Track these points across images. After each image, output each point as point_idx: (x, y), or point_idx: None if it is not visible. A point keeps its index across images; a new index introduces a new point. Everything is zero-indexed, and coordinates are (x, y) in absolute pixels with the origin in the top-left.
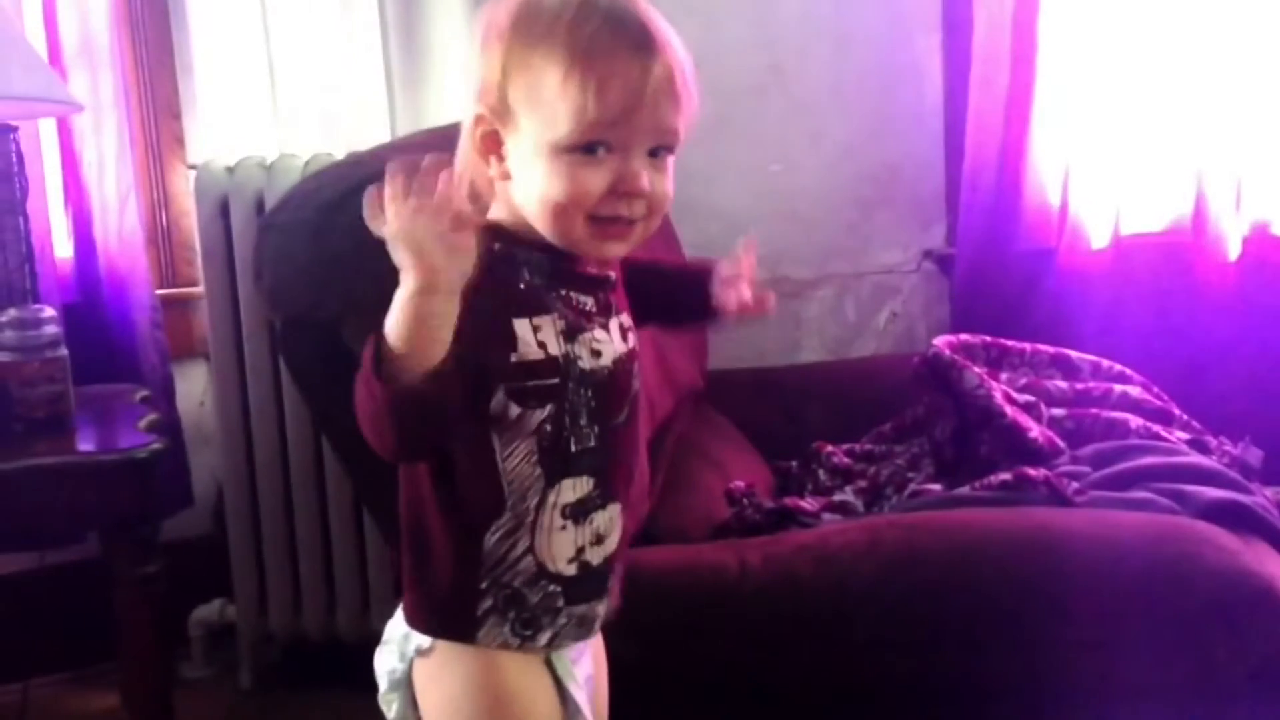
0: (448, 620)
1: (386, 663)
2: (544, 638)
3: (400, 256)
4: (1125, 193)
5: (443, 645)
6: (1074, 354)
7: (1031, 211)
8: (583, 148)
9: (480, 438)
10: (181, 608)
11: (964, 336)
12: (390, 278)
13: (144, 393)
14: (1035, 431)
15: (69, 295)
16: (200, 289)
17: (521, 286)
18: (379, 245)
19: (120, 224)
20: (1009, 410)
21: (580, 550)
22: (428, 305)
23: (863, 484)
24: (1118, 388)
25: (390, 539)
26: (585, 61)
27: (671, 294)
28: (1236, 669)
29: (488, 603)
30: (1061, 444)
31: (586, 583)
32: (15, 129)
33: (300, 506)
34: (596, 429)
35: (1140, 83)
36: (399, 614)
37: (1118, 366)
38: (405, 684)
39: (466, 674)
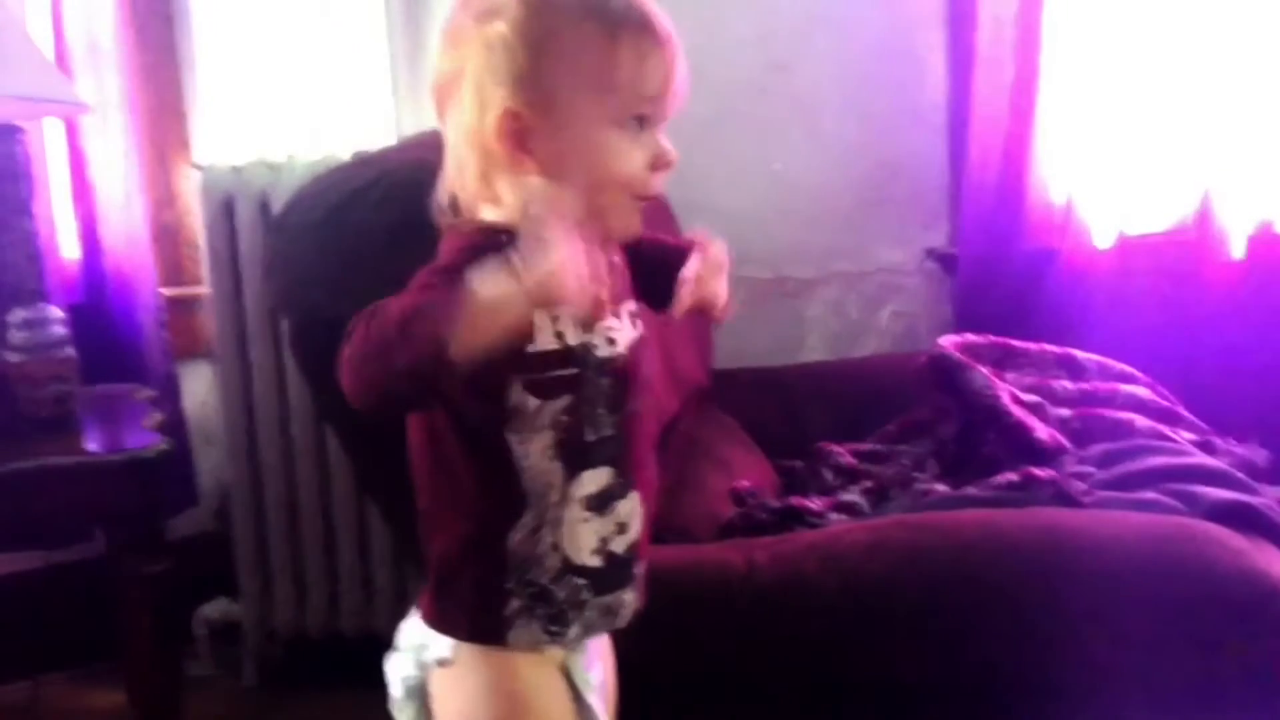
0: (478, 624)
1: (401, 670)
2: (573, 631)
3: (545, 254)
4: (1129, 192)
5: (464, 655)
6: (1080, 354)
7: (1035, 210)
8: (632, 120)
9: (496, 441)
10: (186, 606)
11: (969, 336)
12: (398, 278)
13: (149, 392)
14: (1041, 432)
15: (75, 295)
16: (205, 289)
17: None
18: (388, 245)
19: (126, 224)
20: (1015, 410)
21: (604, 541)
22: (516, 308)
23: (868, 484)
24: (1124, 388)
25: (398, 536)
26: (627, 37)
27: (647, 277)
28: (1244, 669)
29: (516, 603)
30: (1068, 444)
31: (612, 573)
32: (22, 130)
33: (304, 505)
34: (614, 418)
35: (1145, 81)
36: (414, 620)
37: (1124, 367)
38: (420, 692)
39: (485, 683)
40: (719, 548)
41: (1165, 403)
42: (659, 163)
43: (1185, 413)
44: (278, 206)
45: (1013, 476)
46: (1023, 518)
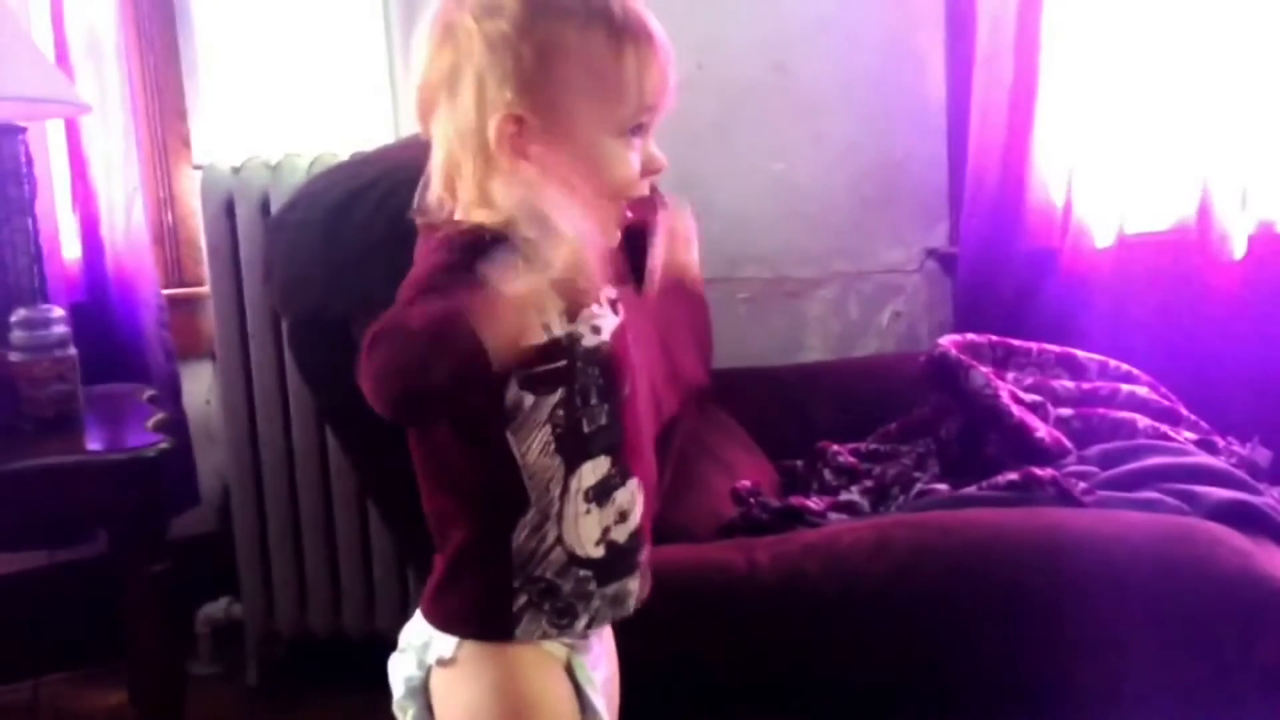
0: (484, 622)
1: (403, 670)
2: (581, 622)
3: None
4: (1129, 191)
5: (466, 654)
6: (1080, 354)
7: (1035, 210)
8: (632, 129)
9: (495, 441)
10: (188, 605)
11: (970, 336)
12: (397, 278)
13: (151, 392)
14: (1042, 431)
15: (77, 295)
16: (206, 288)
17: None
18: (387, 245)
19: (127, 224)
20: (1016, 410)
21: (606, 531)
22: (544, 300)
23: (869, 484)
24: (1125, 387)
25: (399, 537)
26: (631, 45)
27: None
28: (1246, 670)
29: (523, 599)
30: (1069, 444)
31: (616, 562)
32: (23, 130)
33: (306, 504)
34: (606, 406)
35: (1145, 80)
36: (416, 621)
37: (1124, 366)
38: (422, 691)
39: (489, 681)
40: (720, 548)
41: (1166, 402)
42: (648, 169)
43: (1186, 412)
44: (278, 206)
45: (1013, 476)
46: (1024, 517)
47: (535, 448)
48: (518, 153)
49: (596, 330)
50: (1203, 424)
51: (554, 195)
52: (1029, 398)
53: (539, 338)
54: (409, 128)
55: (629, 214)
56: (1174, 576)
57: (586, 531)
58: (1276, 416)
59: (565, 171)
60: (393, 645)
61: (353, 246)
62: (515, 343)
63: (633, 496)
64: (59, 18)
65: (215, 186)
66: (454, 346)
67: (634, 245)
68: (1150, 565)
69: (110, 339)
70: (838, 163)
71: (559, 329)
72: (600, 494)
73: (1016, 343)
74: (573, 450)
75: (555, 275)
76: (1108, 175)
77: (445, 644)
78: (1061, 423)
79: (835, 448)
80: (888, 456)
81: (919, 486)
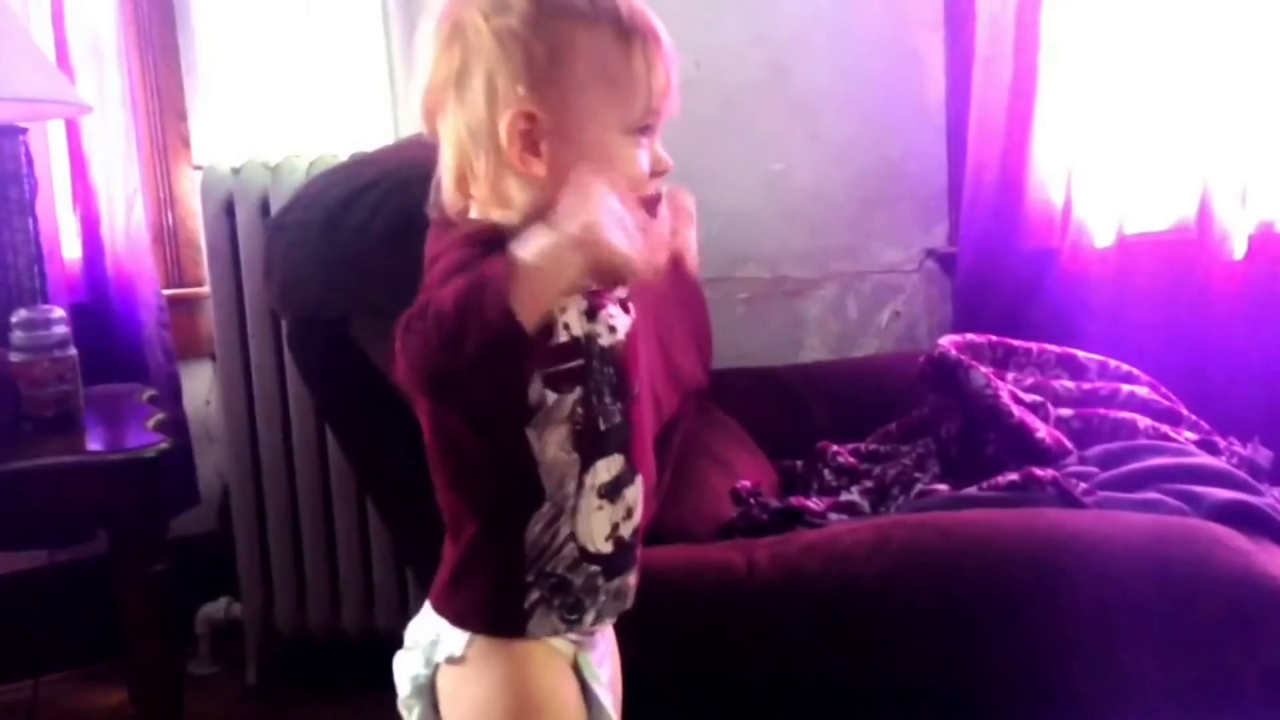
0: (496, 617)
1: (410, 667)
2: (589, 618)
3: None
4: (1129, 191)
5: (475, 651)
6: (1080, 354)
7: (1034, 210)
8: (641, 129)
9: (514, 437)
10: (188, 605)
11: (970, 336)
12: (397, 278)
13: (151, 392)
14: (1042, 432)
15: (77, 295)
16: (206, 289)
17: None
18: (386, 245)
19: (127, 224)
20: (1016, 410)
21: (615, 527)
22: (568, 262)
23: (869, 484)
24: (1125, 387)
25: (397, 537)
26: (639, 45)
27: None
28: (1248, 671)
29: (535, 594)
30: (1069, 444)
31: (620, 557)
32: (24, 130)
33: (305, 504)
34: (619, 405)
35: (1144, 79)
36: (423, 617)
37: (1125, 366)
38: (428, 690)
39: (499, 679)
40: (720, 548)
41: (1166, 402)
42: (655, 170)
43: (1187, 412)
44: (277, 207)
45: (1014, 477)
46: (1024, 518)
47: (553, 444)
48: (529, 150)
49: (612, 330)
50: (1203, 424)
51: (591, 175)
52: (1029, 398)
53: (561, 335)
54: (409, 128)
55: None
56: (1174, 577)
57: (598, 527)
58: (1277, 416)
59: (574, 168)
60: (392, 644)
61: (352, 247)
62: (542, 303)
63: (638, 493)
64: (59, 18)
65: (215, 187)
66: (484, 313)
67: None
68: (1151, 566)
69: (110, 339)
70: (837, 162)
71: (578, 328)
72: (612, 490)
73: (1016, 343)
74: (590, 447)
75: (575, 233)
76: (1107, 175)
77: (454, 642)
78: (1062, 423)
79: (835, 448)
80: (887, 457)
81: (919, 487)
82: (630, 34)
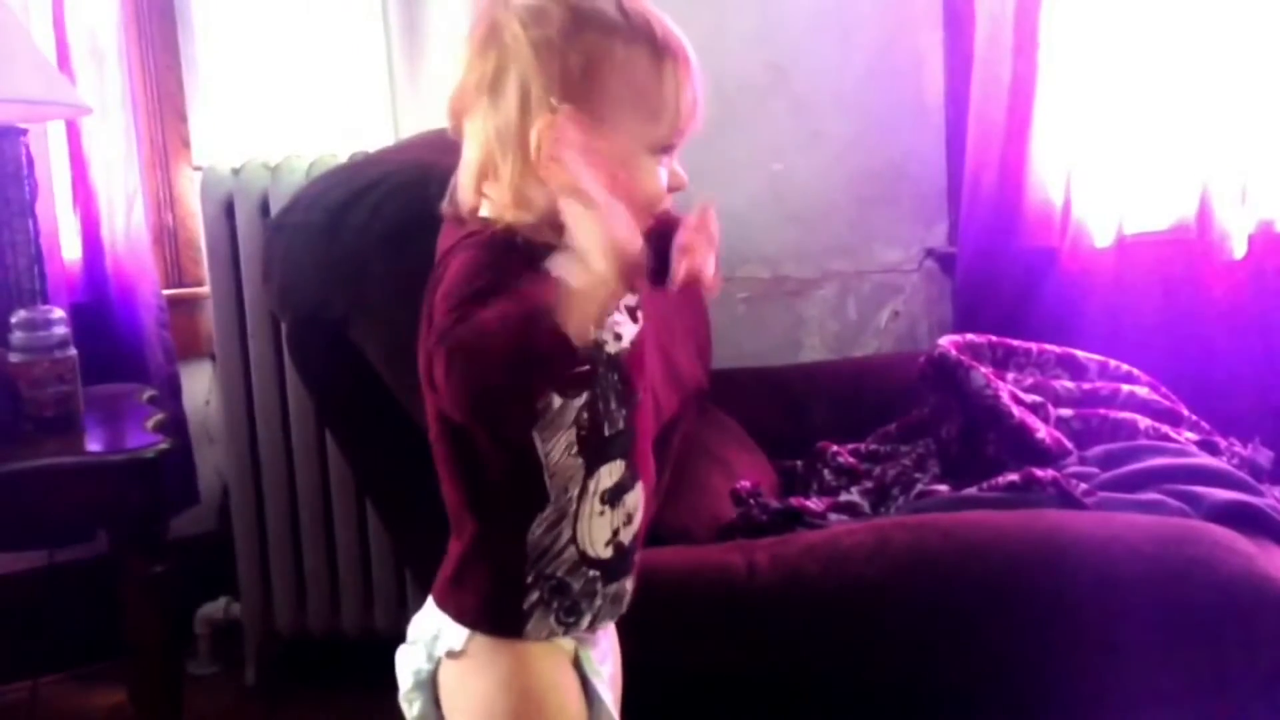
0: (495, 616)
1: (412, 662)
2: (586, 620)
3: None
4: (1129, 191)
5: (477, 646)
6: (1081, 354)
7: (1034, 210)
8: (664, 147)
9: (522, 441)
10: (187, 605)
11: (970, 336)
12: (396, 279)
13: (151, 392)
14: (1043, 432)
15: (77, 296)
16: (206, 289)
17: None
18: (386, 246)
19: (127, 225)
20: (1016, 410)
21: (615, 532)
22: (608, 286)
23: (869, 484)
24: (1125, 388)
25: (396, 537)
26: (670, 65)
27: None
28: (1249, 672)
29: (534, 596)
30: (1069, 445)
31: (619, 562)
32: (24, 131)
33: (304, 504)
34: (624, 411)
35: (1144, 79)
36: (426, 614)
37: (1125, 366)
38: (430, 684)
39: (499, 674)
40: (720, 549)
41: (1167, 403)
42: (672, 186)
43: (1187, 413)
44: (277, 207)
45: (1014, 477)
46: (1025, 519)
47: (559, 448)
48: (555, 158)
49: (618, 337)
50: (1204, 424)
51: (596, 185)
52: (1029, 398)
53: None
54: (408, 129)
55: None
56: (1175, 578)
57: (599, 532)
58: (1277, 417)
59: (601, 181)
60: (391, 644)
61: (351, 248)
62: (593, 326)
63: (639, 499)
64: (60, 20)
65: (215, 188)
66: (540, 343)
67: (657, 241)
68: (1151, 567)
69: (110, 339)
70: (836, 162)
71: None
72: (614, 496)
73: (1016, 343)
74: (594, 452)
75: (610, 259)
76: (1106, 175)
77: (455, 636)
78: (1062, 423)
79: (835, 448)
80: (887, 457)
81: (919, 487)
82: (663, 54)
